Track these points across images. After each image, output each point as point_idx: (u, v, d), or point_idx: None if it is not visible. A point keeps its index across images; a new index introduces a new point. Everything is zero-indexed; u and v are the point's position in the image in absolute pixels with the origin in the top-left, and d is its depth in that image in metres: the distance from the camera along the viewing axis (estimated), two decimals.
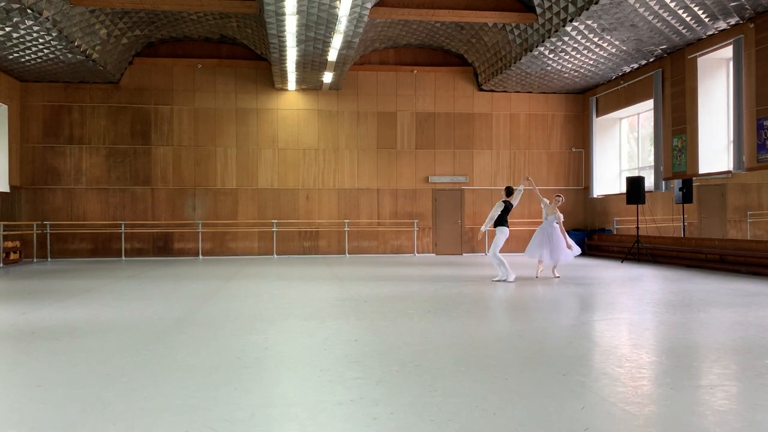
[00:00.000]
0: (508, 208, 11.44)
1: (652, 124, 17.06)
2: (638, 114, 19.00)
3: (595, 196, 20.12)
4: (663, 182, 16.45)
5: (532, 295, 9.47)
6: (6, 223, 16.59)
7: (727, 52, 14.38)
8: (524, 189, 11.53)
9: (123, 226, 18.68)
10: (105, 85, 18.75)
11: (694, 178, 15.06)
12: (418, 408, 3.79)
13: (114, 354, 5.36)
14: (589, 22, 13.83)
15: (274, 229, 19.30)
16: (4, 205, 17.32)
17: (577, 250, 11.75)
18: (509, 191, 11.56)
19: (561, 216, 11.68)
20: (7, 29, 13.44)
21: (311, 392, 4.18)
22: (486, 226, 11.47)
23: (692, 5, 12.95)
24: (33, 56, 15.61)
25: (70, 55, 15.72)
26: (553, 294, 9.63)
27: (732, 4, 12.75)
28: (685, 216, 15.47)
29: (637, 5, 12.88)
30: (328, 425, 3.53)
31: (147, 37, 17.94)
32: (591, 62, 16.89)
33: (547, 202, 11.82)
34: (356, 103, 19.85)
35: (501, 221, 11.36)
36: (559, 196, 11.95)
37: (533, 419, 3.58)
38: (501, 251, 11.44)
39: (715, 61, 15.13)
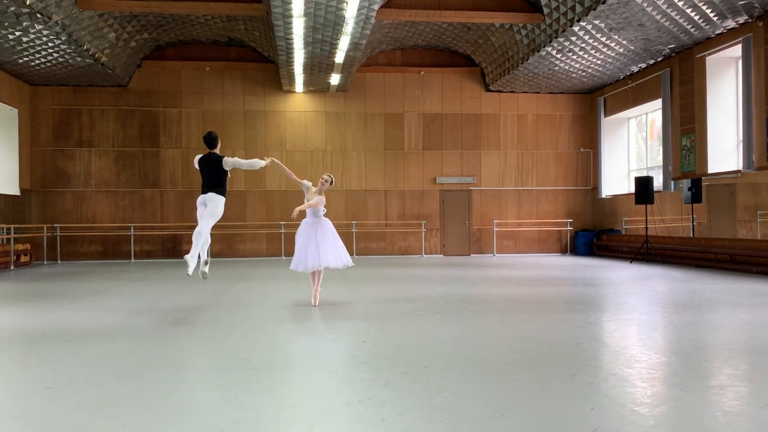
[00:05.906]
0: (212, 167, 8.00)
1: (661, 123, 16.98)
2: (646, 113, 18.92)
3: (603, 196, 20.05)
4: (672, 182, 16.37)
5: (539, 296, 9.45)
6: (16, 225, 16.69)
7: (736, 50, 14.29)
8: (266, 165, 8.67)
9: (132, 229, 18.77)
10: (114, 89, 18.85)
11: (703, 178, 14.97)
12: (426, 409, 3.79)
13: (124, 356, 5.38)
14: (596, 22, 13.79)
15: (282, 231, 19.33)
16: (15, 208, 17.44)
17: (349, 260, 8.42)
18: (210, 141, 8.25)
19: (323, 201, 8.49)
20: (17, 33, 13.55)
21: (319, 394, 4.19)
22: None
23: (701, 4, 12.89)
24: (42, 60, 15.72)
25: (79, 59, 15.82)
26: (561, 294, 9.60)
27: (741, 2, 12.67)
28: (695, 216, 15.38)
29: (645, 5, 12.82)
30: (336, 427, 3.53)
31: (155, 41, 18.03)
32: (599, 62, 16.83)
33: (309, 184, 8.81)
34: (363, 105, 19.86)
35: (213, 185, 7.91)
36: (327, 179, 8.75)
37: (542, 420, 3.57)
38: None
39: (724, 60, 15.04)
